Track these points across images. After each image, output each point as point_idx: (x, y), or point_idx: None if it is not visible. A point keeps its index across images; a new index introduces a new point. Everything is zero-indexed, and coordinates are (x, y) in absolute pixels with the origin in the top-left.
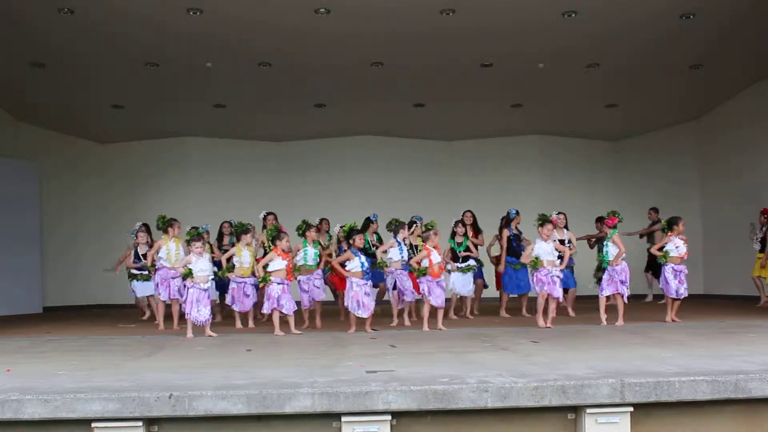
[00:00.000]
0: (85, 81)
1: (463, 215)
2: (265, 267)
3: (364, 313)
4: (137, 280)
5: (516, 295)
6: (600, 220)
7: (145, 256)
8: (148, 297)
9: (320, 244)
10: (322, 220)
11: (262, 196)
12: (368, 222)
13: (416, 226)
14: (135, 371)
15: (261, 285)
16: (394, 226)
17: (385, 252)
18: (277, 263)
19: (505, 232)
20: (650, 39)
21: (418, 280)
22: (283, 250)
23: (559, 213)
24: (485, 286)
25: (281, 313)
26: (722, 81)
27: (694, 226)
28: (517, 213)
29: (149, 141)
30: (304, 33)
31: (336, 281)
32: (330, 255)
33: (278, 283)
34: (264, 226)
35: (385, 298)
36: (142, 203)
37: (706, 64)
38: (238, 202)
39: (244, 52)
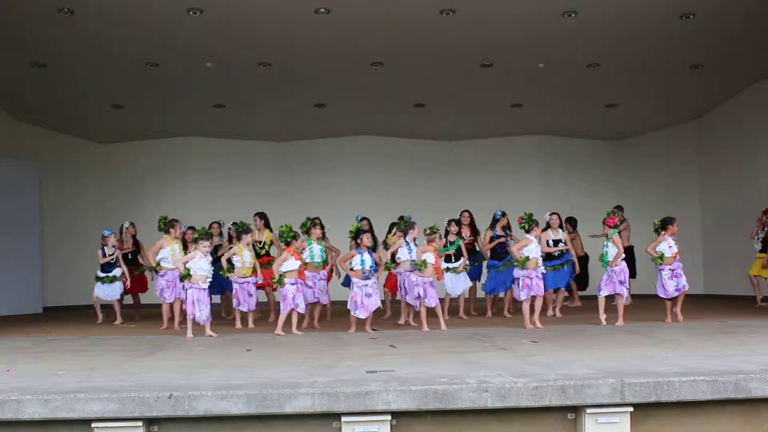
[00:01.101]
0: (85, 81)
1: (460, 215)
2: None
3: (362, 314)
4: (102, 283)
5: (502, 294)
6: (570, 220)
7: (111, 255)
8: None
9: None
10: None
11: (262, 196)
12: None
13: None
14: (135, 371)
15: (275, 286)
16: (404, 226)
17: (394, 252)
18: (291, 263)
19: (488, 233)
20: (650, 39)
21: (413, 282)
22: (296, 250)
23: (552, 213)
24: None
25: (293, 312)
26: (722, 81)
27: (694, 225)
28: (503, 214)
29: (149, 141)
30: (304, 33)
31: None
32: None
33: (292, 284)
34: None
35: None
36: (142, 203)
37: (706, 64)
38: (238, 202)
39: (244, 52)
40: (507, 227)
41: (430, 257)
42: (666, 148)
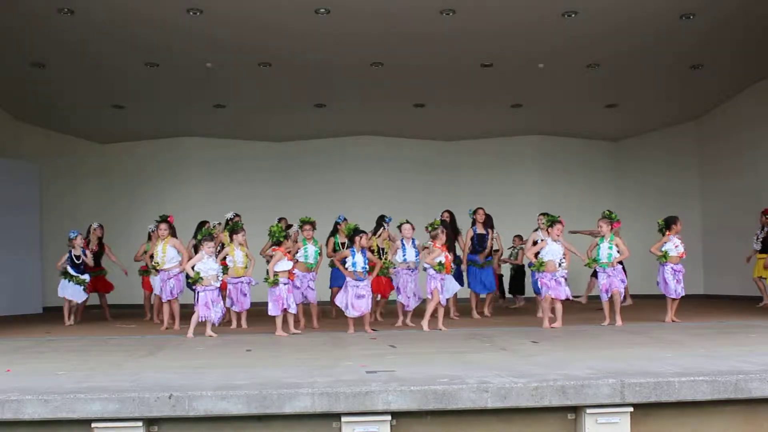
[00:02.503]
0: (85, 81)
1: (441, 215)
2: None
3: (353, 313)
4: (69, 281)
5: (484, 295)
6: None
7: (78, 257)
8: (75, 301)
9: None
10: (280, 219)
11: (262, 196)
12: (336, 224)
13: (383, 229)
14: (135, 371)
15: (269, 286)
16: (399, 227)
17: (394, 254)
18: (284, 264)
19: (469, 232)
20: (650, 39)
21: (432, 276)
22: (288, 250)
23: (541, 214)
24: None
25: (287, 312)
26: (722, 81)
27: (694, 225)
28: (474, 211)
29: (149, 141)
30: (304, 33)
31: None
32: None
33: (284, 284)
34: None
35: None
36: (142, 203)
37: (706, 64)
38: (239, 202)
39: (244, 52)
40: (490, 225)
41: (442, 257)
42: (666, 148)
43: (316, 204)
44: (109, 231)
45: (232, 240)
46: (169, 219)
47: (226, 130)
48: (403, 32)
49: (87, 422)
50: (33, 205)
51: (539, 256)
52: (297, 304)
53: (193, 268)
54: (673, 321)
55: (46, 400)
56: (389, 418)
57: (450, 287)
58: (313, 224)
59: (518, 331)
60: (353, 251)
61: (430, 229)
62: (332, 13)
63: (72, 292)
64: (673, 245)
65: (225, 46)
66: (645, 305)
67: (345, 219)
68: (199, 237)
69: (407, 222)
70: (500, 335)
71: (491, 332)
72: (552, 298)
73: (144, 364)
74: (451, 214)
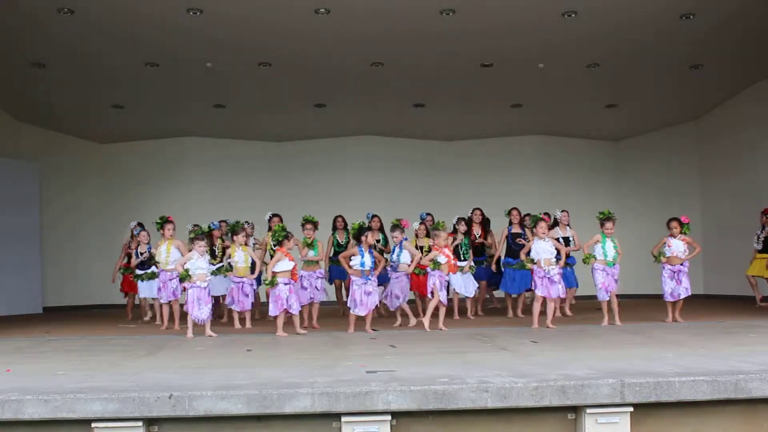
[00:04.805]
0: (85, 81)
1: (472, 213)
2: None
3: (362, 312)
4: (142, 281)
5: (516, 295)
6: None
7: (143, 253)
8: (152, 298)
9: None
10: (337, 217)
11: (262, 196)
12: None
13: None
14: (135, 371)
15: (267, 288)
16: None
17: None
18: (285, 264)
19: (504, 232)
20: (650, 39)
21: (430, 274)
22: (290, 251)
23: (563, 211)
24: (489, 286)
25: (288, 313)
26: (722, 81)
27: (694, 225)
28: (509, 212)
29: (149, 141)
30: (304, 33)
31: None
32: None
33: (285, 284)
34: (269, 228)
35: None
36: (142, 203)
37: (706, 64)
38: (238, 202)
39: (244, 52)
40: (525, 225)
41: (441, 257)
42: (666, 148)
43: (316, 204)
44: (108, 231)
45: (233, 240)
46: (169, 218)
47: (225, 130)
48: (403, 32)
49: (87, 422)
50: (33, 204)
51: (529, 255)
52: (303, 305)
53: (183, 266)
54: (675, 321)
55: (46, 400)
56: (389, 418)
57: (469, 286)
58: (315, 224)
59: (518, 331)
60: (361, 249)
61: (431, 228)
62: (332, 13)
63: (151, 291)
64: (666, 245)
65: (225, 46)
66: (645, 305)
67: (375, 216)
68: (191, 236)
69: (396, 226)
70: (500, 335)
71: (491, 332)
72: (543, 298)
73: (144, 364)
74: (482, 213)
